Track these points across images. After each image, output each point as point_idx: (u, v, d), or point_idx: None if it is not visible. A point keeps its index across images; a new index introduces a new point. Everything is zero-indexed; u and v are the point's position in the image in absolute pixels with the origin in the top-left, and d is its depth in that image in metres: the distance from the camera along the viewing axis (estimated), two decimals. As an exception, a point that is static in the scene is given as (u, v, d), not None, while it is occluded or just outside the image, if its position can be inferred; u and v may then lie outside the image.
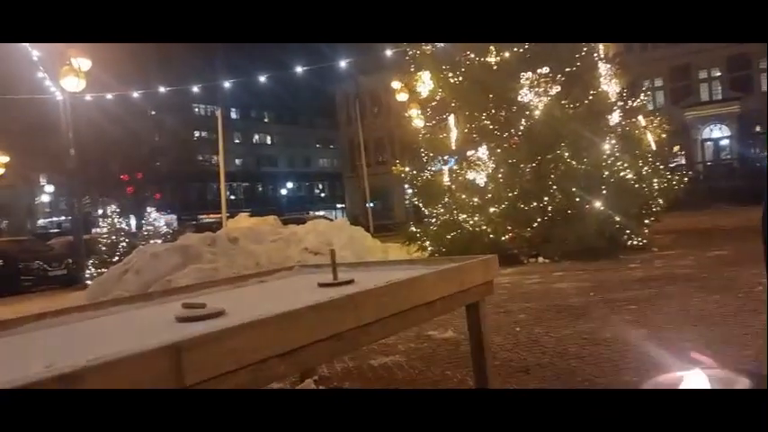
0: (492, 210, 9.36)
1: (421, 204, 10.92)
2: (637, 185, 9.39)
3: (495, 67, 10.17)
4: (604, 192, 8.81)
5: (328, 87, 43.77)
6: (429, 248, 10.68)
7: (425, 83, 11.31)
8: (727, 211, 18.71)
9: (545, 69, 9.40)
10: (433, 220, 10.32)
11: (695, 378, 1.15)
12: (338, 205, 59.46)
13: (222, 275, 8.20)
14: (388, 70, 31.96)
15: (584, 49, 9.59)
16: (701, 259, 7.81)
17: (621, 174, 9.11)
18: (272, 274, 3.69)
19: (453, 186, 9.95)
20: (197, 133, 52.02)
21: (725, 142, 30.02)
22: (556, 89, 9.25)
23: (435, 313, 2.84)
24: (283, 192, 62.15)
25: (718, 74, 29.49)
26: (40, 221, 51.73)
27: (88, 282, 13.21)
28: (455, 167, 10.23)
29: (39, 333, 2.22)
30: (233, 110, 55.97)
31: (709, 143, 29.86)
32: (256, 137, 62.85)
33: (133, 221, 32.58)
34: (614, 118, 9.91)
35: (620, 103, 10.08)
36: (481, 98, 10.10)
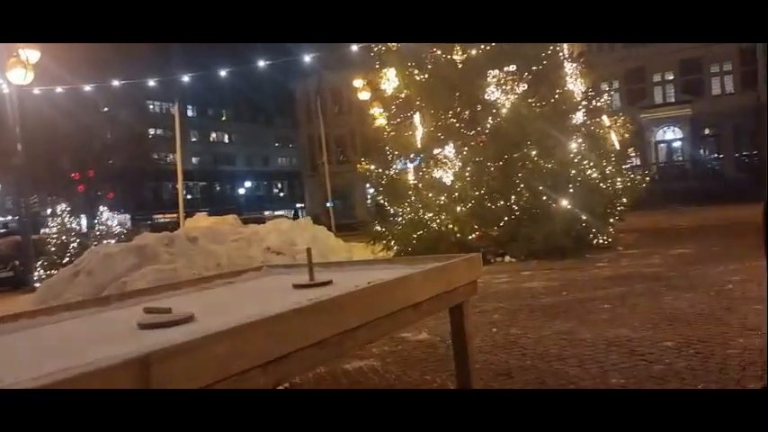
0: (459, 208, 9.25)
1: (386, 203, 10.75)
2: (602, 185, 9.44)
3: (460, 66, 10.08)
4: (571, 190, 8.81)
5: (288, 84, 43.23)
6: (395, 248, 10.52)
7: (390, 80, 11.14)
8: (682, 211, 19.19)
9: (512, 67, 9.35)
10: (399, 219, 10.16)
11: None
12: (298, 205, 58.85)
13: (182, 277, 7.85)
14: (349, 67, 31.72)
15: (551, 47, 9.58)
16: (666, 258, 7.87)
17: (588, 173, 9.13)
18: (239, 275, 3.44)
19: (420, 185, 9.81)
20: (152, 131, 50.66)
21: (677, 144, 30.85)
22: (522, 87, 9.21)
23: (422, 315, 2.67)
24: (241, 191, 61.13)
25: (671, 77, 30.29)
26: (-16, 221, 49.55)
27: (37, 284, 12.57)
28: (422, 165, 10.10)
29: (-20, 344, 1.95)
30: (189, 107, 54.72)
31: (662, 145, 30.64)
32: (214, 135, 61.62)
33: (84, 221, 31.43)
34: (579, 117, 9.95)
35: (584, 103, 10.12)
36: (447, 96, 9.99)
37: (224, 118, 62.74)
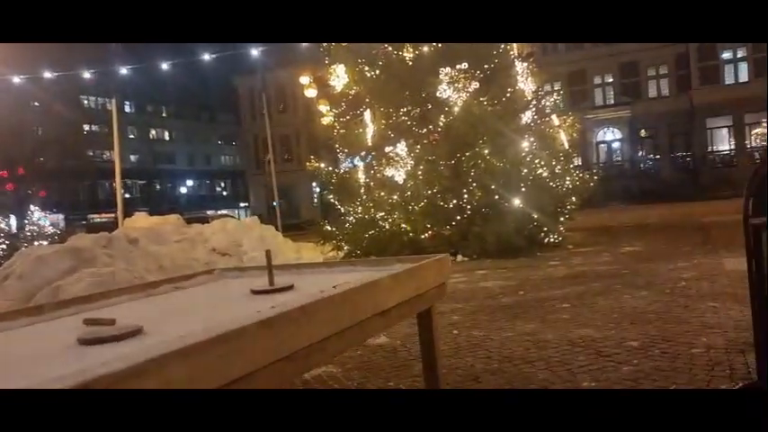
0: (411, 208, 9.13)
1: (337, 202, 10.53)
2: (552, 184, 9.51)
3: (410, 63, 9.96)
4: (523, 190, 8.82)
5: (232, 81, 42.28)
6: (345, 248, 10.32)
7: (340, 77, 10.92)
8: (623, 209, 19.76)
9: (464, 65, 9.29)
10: (350, 219, 9.96)
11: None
12: (241, 204, 57.72)
13: (121, 280, 7.41)
14: (295, 64, 31.23)
15: (501, 46, 9.59)
16: (617, 256, 7.97)
17: (538, 172, 9.18)
18: (189, 279, 3.17)
19: (372, 183, 9.64)
20: (87, 127, 48.62)
21: (616, 145, 31.83)
22: (474, 86, 9.16)
23: (391, 322, 2.50)
24: (183, 190, 59.50)
25: (611, 80, 31.22)
26: None
27: (-40, 289, 11.71)
28: (373, 164, 9.93)
29: None
30: (127, 103, 52.84)
31: (602, 145, 31.55)
32: (153, 132, 59.69)
33: (14, 221, 29.79)
34: (529, 116, 10.00)
35: (534, 102, 10.19)
36: (399, 93, 9.86)
37: (164, 114, 60.91)
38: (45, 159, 39.47)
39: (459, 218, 9.02)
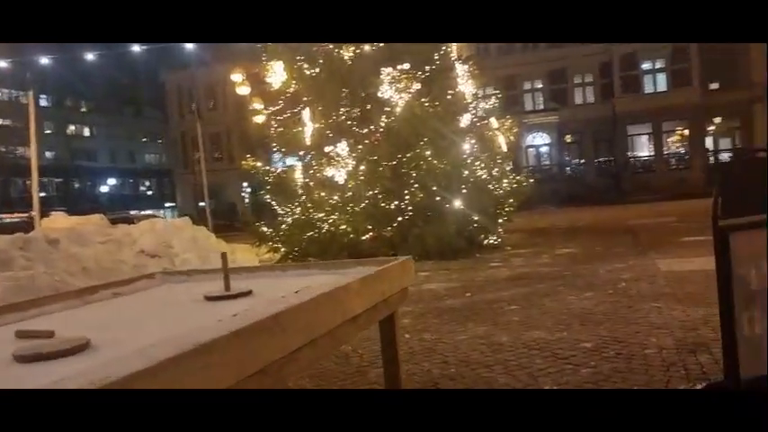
0: (351, 209, 8.99)
1: (274, 203, 10.24)
2: (490, 186, 9.61)
3: (350, 62, 9.82)
4: (464, 191, 8.85)
5: (158, 76, 40.73)
6: (282, 250, 10.05)
7: (277, 73, 10.62)
8: (553, 212, 20.35)
9: (405, 66, 9.24)
10: (288, 220, 9.70)
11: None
12: (167, 204, 55.75)
13: (42, 285, 6.88)
14: (226, 61, 30.41)
15: (443, 48, 9.60)
16: (555, 257, 8.12)
17: (479, 174, 9.24)
18: (128, 284, 2.90)
19: (312, 183, 9.43)
20: (-2, 120, 45.70)
21: (544, 149, 32.86)
22: (416, 87, 9.12)
23: (359, 329, 2.35)
24: (104, 189, 56.83)
25: (540, 86, 32.20)
26: None
27: None
28: (312, 163, 9.72)
29: None
30: (43, 96, 49.93)
31: (531, 149, 32.48)
32: (72, 127, 56.69)
33: None
34: (469, 119, 10.06)
35: (474, 104, 10.27)
36: (339, 92, 9.70)
37: (84, 109, 57.98)
38: (-51, 155, 36.77)
39: (400, 219, 8.95)
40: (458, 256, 8.59)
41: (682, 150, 30.24)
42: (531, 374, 3.23)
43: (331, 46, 9.69)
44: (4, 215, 42.24)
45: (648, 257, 7.22)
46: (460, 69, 10.09)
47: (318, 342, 1.91)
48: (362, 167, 9.02)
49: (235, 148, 38.89)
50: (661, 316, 4.24)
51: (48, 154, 49.26)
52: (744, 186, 2.31)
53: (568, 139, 32.34)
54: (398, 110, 8.97)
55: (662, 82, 29.59)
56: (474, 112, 10.16)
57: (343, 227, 8.94)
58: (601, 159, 31.88)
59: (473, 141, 9.58)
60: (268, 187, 10.20)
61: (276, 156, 11.90)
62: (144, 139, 62.64)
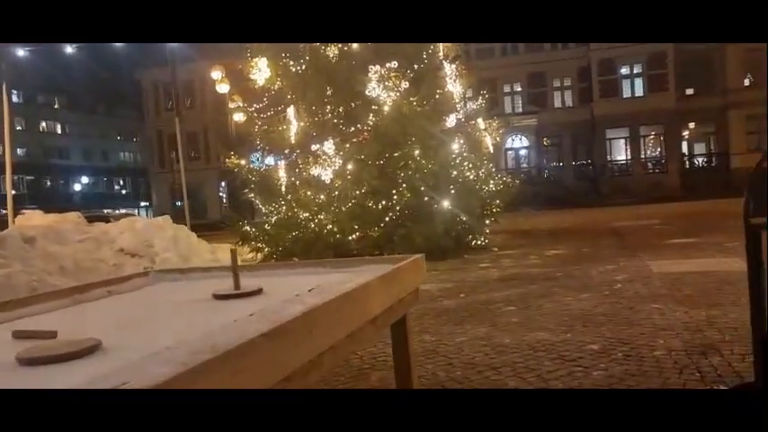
0: (338, 208, 8.84)
1: (258, 202, 10.05)
2: (478, 186, 9.54)
3: (335, 59, 9.67)
4: (453, 191, 8.77)
5: (134, 74, 40.02)
6: (265, 250, 9.86)
7: (262, 70, 10.43)
8: (534, 214, 20.42)
9: (393, 64, 9.12)
10: (273, 219, 9.52)
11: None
12: (142, 203, 54.88)
13: (19, 284, 6.62)
14: (205, 59, 29.97)
15: (431, 47, 9.51)
16: (544, 258, 8.07)
17: (466, 174, 9.16)
18: (122, 282, 2.73)
19: (297, 182, 9.25)
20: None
21: (524, 152, 33.06)
22: (404, 85, 9.01)
23: (378, 331, 2.23)
24: (77, 187, 55.73)
25: (519, 89, 32.39)
26: None
27: None
28: (298, 162, 9.55)
29: None
30: (14, 92, 48.76)
31: (510, 152, 32.64)
32: (44, 124, 55.53)
33: None
34: (457, 119, 9.99)
35: (462, 104, 10.20)
36: (325, 90, 9.54)
37: (56, 106, 56.81)
38: None
39: (387, 219, 8.83)
40: (446, 256, 8.51)
41: (658, 154, 30.65)
42: (541, 377, 3.13)
43: (318, 43, 9.53)
44: (-29, 213, 41.17)
45: (638, 259, 7.21)
46: (448, 69, 10.02)
47: (340, 346, 1.78)
48: (350, 166, 8.87)
49: (212, 147, 38.42)
50: (663, 317, 4.18)
51: (18, 151, 48.13)
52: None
53: (546, 142, 32.57)
54: (386, 108, 8.85)
55: (639, 87, 29.97)
56: (462, 112, 10.09)
57: (330, 226, 8.79)
58: (579, 162, 32.15)
59: (462, 141, 9.50)
60: (252, 186, 9.99)
61: (255, 155, 11.72)
62: (118, 138, 61.61)
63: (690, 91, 30.62)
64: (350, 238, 8.79)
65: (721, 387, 2.72)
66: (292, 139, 9.96)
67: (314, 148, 9.33)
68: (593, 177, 31.00)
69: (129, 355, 1.35)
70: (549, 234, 11.93)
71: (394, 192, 8.76)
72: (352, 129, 9.28)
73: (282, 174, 10.08)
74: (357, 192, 8.82)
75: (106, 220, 17.25)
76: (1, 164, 13.98)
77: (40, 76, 40.07)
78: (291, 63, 9.96)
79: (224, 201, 38.22)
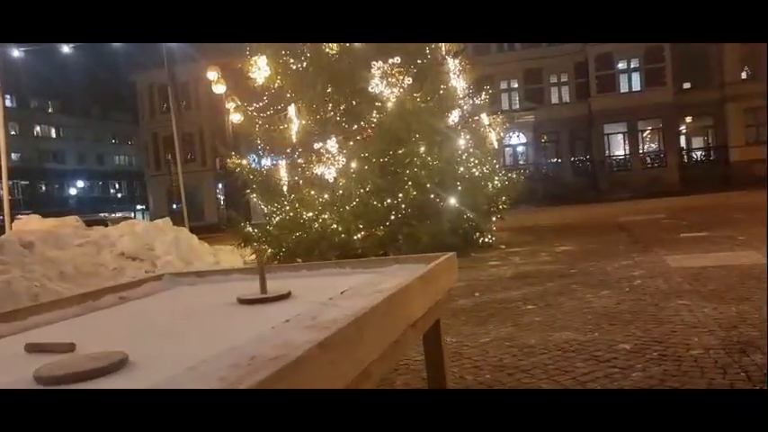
0: (342, 207, 8.67)
1: (261, 202, 9.88)
2: (483, 183, 9.39)
3: (336, 56, 9.50)
4: (459, 188, 8.61)
5: (128, 76, 39.74)
6: (268, 251, 9.67)
7: (262, 68, 10.24)
8: (534, 210, 20.29)
9: (396, 60, 8.95)
10: (277, 219, 9.34)
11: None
12: (138, 206, 54.61)
13: (19, 290, 6.44)
14: (199, 60, 29.74)
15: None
16: (555, 255, 7.92)
17: (473, 170, 9.00)
18: (135, 287, 2.58)
19: (301, 182, 9.08)
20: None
21: (521, 149, 32.93)
22: (408, 81, 8.84)
23: (417, 335, 2.08)
24: (72, 191, 55.39)
25: (516, 85, 32.26)
26: None
27: None
28: (299, 161, 9.37)
29: None
30: (8, 96, 48.40)
31: (508, 149, 32.49)
32: (38, 128, 55.17)
33: None
34: (461, 114, 9.83)
35: (466, 99, 10.04)
36: (327, 87, 9.37)
37: (50, 110, 56.48)
38: None
39: (392, 217, 8.66)
40: (453, 254, 8.34)
41: (656, 149, 30.56)
42: (576, 379, 2.98)
43: (318, 40, 9.35)
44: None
45: (653, 254, 7.06)
46: (452, 64, 9.85)
47: (387, 353, 1.63)
48: (353, 165, 8.70)
49: (208, 148, 38.19)
50: (692, 314, 4.03)
51: (14, 156, 47.79)
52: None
53: (545, 138, 32.46)
54: (390, 105, 8.67)
55: (636, 81, 29.88)
56: (466, 107, 9.93)
57: (334, 226, 8.62)
58: (577, 158, 32.05)
59: (467, 137, 9.34)
60: (254, 186, 9.81)
61: (251, 155, 11.57)
62: (113, 141, 61.29)
63: (687, 85, 30.56)
64: (354, 237, 8.62)
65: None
66: (294, 138, 9.78)
67: (316, 146, 9.16)
68: (592, 173, 30.90)
69: (161, 370, 1.20)
70: (554, 230, 11.79)
71: (399, 189, 8.59)
72: (355, 126, 9.11)
73: (284, 173, 9.91)
74: (361, 190, 8.65)
75: (105, 224, 17.04)
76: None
77: (33, 80, 39.78)
78: (292, 61, 9.78)
79: (221, 202, 38.00)
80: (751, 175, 25.81)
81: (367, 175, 8.69)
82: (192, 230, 18.69)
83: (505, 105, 31.54)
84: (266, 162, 10.94)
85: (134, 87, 40.64)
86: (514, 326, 4.20)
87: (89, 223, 13.57)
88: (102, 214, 38.32)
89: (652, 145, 30.93)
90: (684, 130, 31.46)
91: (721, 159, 29.81)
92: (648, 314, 4.16)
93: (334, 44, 9.44)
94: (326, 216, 8.80)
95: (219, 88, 22.68)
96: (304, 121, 9.65)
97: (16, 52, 15.10)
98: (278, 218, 9.39)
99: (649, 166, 30.13)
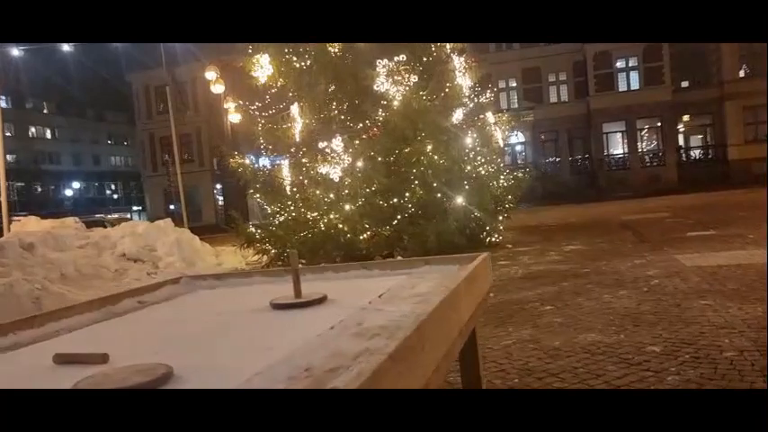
0: (348, 207, 8.55)
1: (264, 202, 9.75)
2: (489, 182, 9.29)
3: (339, 54, 9.38)
4: (467, 187, 8.50)
5: (124, 77, 39.52)
6: (272, 252, 9.55)
7: (264, 67, 10.11)
8: (535, 210, 20.20)
9: (402, 57, 8.84)
10: (281, 220, 9.22)
11: None
12: (135, 207, 54.36)
13: (21, 292, 6.31)
14: (197, 60, 29.57)
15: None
16: (565, 255, 7.82)
17: (479, 169, 8.90)
18: (153, 290, 2.46)
19: (306, 182, 8.96)
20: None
21: (520, 148, 32.85)
22: (413, 79, 8.74)
23: (462, 342, 1.97)
24: (68, 193, 55.10)
25: (514, 84, 32.18)
26: None
27: None
28: (303, 161, 9.25)
29: None
30: (2, 98, 48.12)
31: (507, 148, 32.36)
32: (33, 130, 54.84)
33: None
34: (467, 112, 9.72)
35: (472, 98, 9.93)
36: (330, 85, 9.25)
37: (45, 111, 56.16)
38: None
39: (399, 217, 8.55)
40: (459, 254, 8.23)
41: (655, 147, 30.53)
42: (609, 383, 2.88)
43: (321, 38, 9.24)
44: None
45: (664, 253, 6.97)
46: (458, 62, 9.74)
47: (441, 364, 1.52)
48: (359, 164, 8.58)
49: (206, 149, 38.01)
50: (718, 314, 3.94)
51: (9, 157, 47.50)
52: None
53: (543, 137, 32.39)
54: (396, 103, 8.56)
55: (635, 80, 29.83)
56: (471, 105, 9.83)
57: (340, 226, 8.50)
58: (576, 157, 31.98)
59: (474, 136, 9.24)
60: (258, 186, 9.68)
61: (250, 156, 11.46)
62: (109, 142, 61.02)
63: (686, 83, 30.54)
64: (360, 237, 8.51)
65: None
66: (297, 137, 9.66)
67: (321, 145, 9.04)
68: (591, 172, 30.85)
69: (210, 384, 1.10)
70: (558, 229, 11.69)
71: (406, 188, 8.48)
72: (360, 125, 8.99)
73: (287, 173, 9.79)
74: (367, 189, 8.53)
75: (103, 225, 16.90)
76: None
77: (28, 81, 39.54)
78: (295, 59, 9.66)
79: (220, 203, 37.82)
80: (750, 174, 25.80)
81: (373, 174, 8.58)
82: (190, 231, 18.52)
83: (504, 105, 31.44)
84: (265, 162, 10.82)
85: (130, 87, 40.40)
86: (534, 327, 4.10)
87: (87, 224, 13.44)
88: (98, 215, 38.09)
89: (651, 143, 30.89)
90: (683, 129, 31.44)
91: (720, 157, 29.80)
92: (673, 315, 4.06)
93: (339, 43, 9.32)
94: (332, 216, 8.68)
95: (218, 88, 22.57)
96: (307, 120, 9.53)
97: (11, 52, 14.92)
98: (282, 218, 9.27)
99: (648, 164, 30.08)
